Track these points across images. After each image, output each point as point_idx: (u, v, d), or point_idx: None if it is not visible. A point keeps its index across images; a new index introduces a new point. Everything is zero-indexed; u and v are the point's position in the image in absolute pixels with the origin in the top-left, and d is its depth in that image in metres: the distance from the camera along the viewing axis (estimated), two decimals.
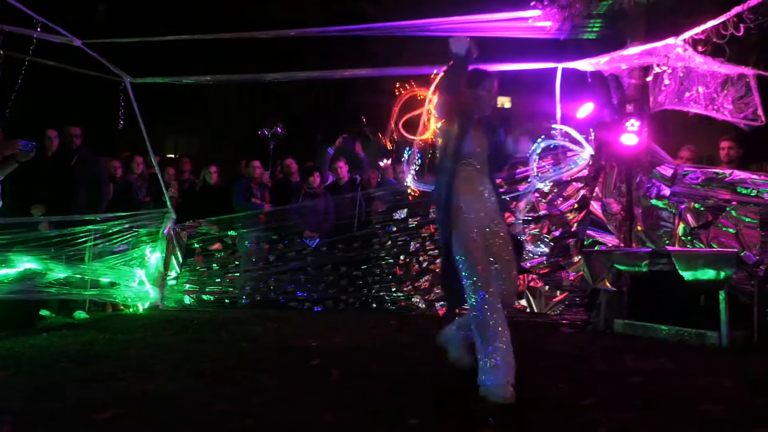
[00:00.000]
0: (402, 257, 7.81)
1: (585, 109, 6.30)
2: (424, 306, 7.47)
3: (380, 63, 9.71)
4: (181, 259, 8.18)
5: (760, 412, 3.28)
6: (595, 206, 6.83)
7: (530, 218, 7.14)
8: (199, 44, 10.44)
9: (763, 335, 5.19)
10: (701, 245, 6.03)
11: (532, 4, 6.32)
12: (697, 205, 6.16)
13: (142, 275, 7.73)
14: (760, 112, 5.68)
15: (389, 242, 7.91)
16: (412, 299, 7.57)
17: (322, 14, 12.47)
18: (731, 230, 5.88)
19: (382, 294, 7.77)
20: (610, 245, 6.63)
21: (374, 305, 7.72)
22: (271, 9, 13.76)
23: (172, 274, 8.11)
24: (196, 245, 8.30)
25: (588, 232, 6.82)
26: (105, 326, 6.26)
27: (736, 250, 5.57)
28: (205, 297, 8.15)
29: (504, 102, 18.95)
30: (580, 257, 6.65)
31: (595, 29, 6.43)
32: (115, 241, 7.48)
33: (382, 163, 9.40)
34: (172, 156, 15.80)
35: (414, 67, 8.75)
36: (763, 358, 4.71)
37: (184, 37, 7.24)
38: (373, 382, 3.88)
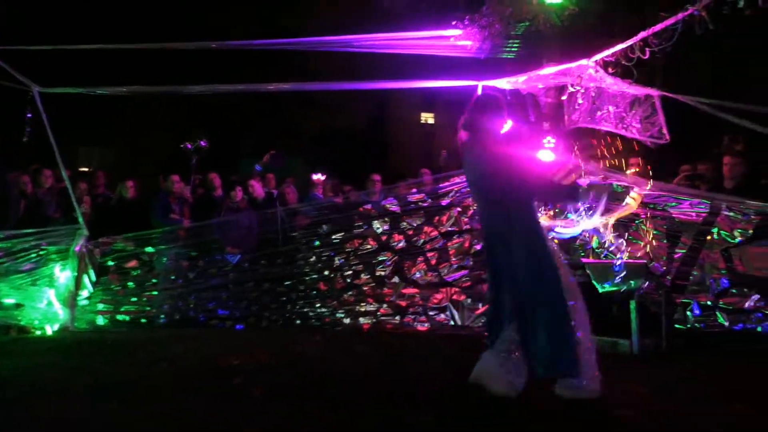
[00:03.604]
0: (326, 272, 7.75)
1: (504, 126, 6.47)
2: (349, 321, 7.44)
3: (306, 78, 9.68)
4: (93, 278, 7.80)
5: (670, 416, 3.44)
6: None
7: (453, 232, 7.27)
8: (118, 54, 10.08)
9: (670, 342, 5.46)
10: (613, 257, 6.30)
11: (454, 23, 6.48)
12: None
13: (51, 295, 7.33)
14: (665, 131, 6.03)
15: (313, 257, 7.84)
16: (337, 314, 7.52)
17: (248, 28, 12.32)
18: (641, 242, 6.19)
19: (306, 310, 7.67)
20: None
21: (298, 321, 7.61)
22: (196, 22, 13.49)
23: (84, 293, 7.71)
24: (111, 263, 7.94)
25: None
26: (8, 350, 5.88)
27: (645, 261, 5.86)
28: (120, 317, 7.79)
29: (427, 118, 19.30)
30: None
31: (513, 49, 6.65)
32: (21, 259, 7.08)
33: (315, 177, 9.38)
34: (86, 169, 15.13)
35: (339, 82, 8.81)
36: (671, 364, 4.96)
37: (98, 46, 6.97)
38: (297, 399, 3.81)
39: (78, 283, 7.59)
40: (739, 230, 5.62)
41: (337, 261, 7.74)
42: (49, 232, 7.40)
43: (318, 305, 7.66)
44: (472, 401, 3.60)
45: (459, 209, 7.26)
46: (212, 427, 3.26)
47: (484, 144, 3.92)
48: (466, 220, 7.27)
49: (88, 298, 7.75)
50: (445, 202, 7.31)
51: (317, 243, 7.83)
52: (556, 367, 3.55)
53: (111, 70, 11.20)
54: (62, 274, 7.48)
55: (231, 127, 15.43)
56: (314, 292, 7.72)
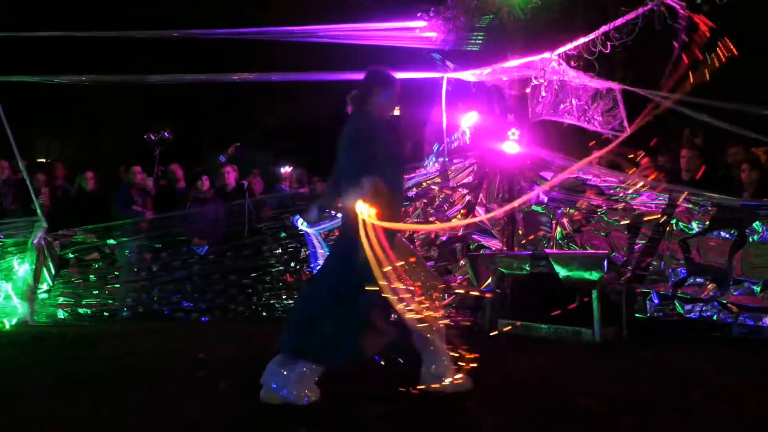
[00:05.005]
0: (293, 264, 7.72)
1: (469, 118, 6.53)
2: None
3: (270, 68, 9.58)
4: (53, 271, 7.64)
5: (627, 403, 3.53)
6: (480, 212, 7.09)
7: (419, 223, 7.30)
8: (78, 43, 9.83)
9: (631, 331, 5.59)
10: (576, 248, 6.42)
11: (419, 15, 6.49)
12: (572, 210, 6.55)
13: (9, 289, 7.17)
14: (625, 123, 6.15)
15: (279, 249, 7.80)
16: None
17: (209, 18, 12.11)
18: (602, 233, 6.31)
19: (272, 302, 7.64)
20: (494, 249, 6.91)
21: (264, 314, 7.58)
22: (158, 11, 13.20)
23: (44, 286, 7.55)
24: (71, 255, 7.78)
25: (473, 236, 7.07)
26: None
27: (606, 252, 5.98)
28: (81, 310, 7.65)
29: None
30: (466, 261, 6.86)
31: (478, 41, 6.69)
32: None
33: (283, 170, 9.32)
34: (44, 160, 14.77)
35: (303, 73, 8.75)
36: (631, 352, 5.09)
37: (57, 33, 6.81)
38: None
39: (37, 276, 7.44)
40: (697, 221, 5.76)
41: (303, 253, 7.71)
42: (5, 224, 7.22)
43: (284, 297, 7.64)
44: (428, 394, 3.64)
45: (425, 201, 7.30)
46: (175, 423, 3.22)
47: (363, 120, 3.73)
48: (431, 211, 7.30)
49: (47, 291, 7.60)
50: (411, 193, 7.33)
51: (283, 234, 7.78)
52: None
53: (70, 59, 10.93)
54: (20, 267, 7.33)
55: (193, 119, 15.19)
56: (280, 284, 7.69)
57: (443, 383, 3.67)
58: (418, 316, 3.58)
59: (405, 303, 3.49)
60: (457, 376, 3.74)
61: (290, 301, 7.58)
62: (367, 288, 3.39)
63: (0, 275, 7.18)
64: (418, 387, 3.68)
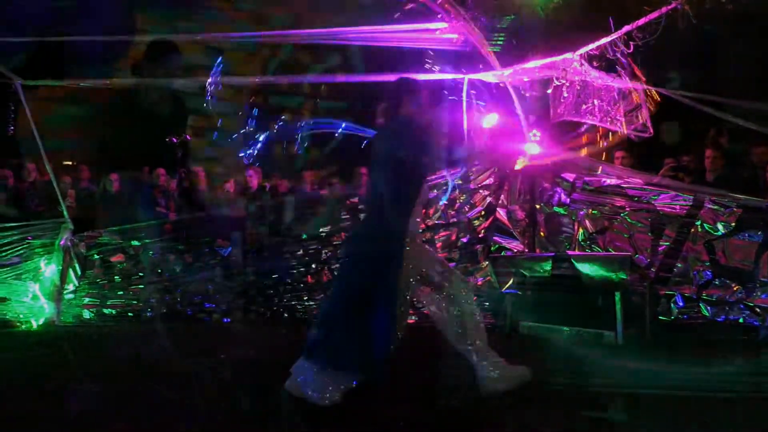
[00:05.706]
0: (314, 265, 7.75)
1: (490, 119, 6.51)
2: None
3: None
4: (79, 272, 7.76)
5: (651, 405, 3.50)
6: (501, 213, 7.06)
7: (440, 225, 7.29)
8: (102, 46, 9.98)
9: (654, 333, 5.52)
10: (599, 249, 6.36)
11: (439, 16, 6.47)
12: (594, 212, 6.49)
13: (36, 289, 7.28)
14: (648, 124, 6.08)
15: (300, 251, 7.83)
16: None
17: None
18: (625, 235, 6.23)
19: (293, 303, 7.67)
20: (515, 251, 6.87)
21: (285, 315, 7.62)
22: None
23: (70, 287, 7.67)
24: (96, 256, 7.89)
25: (494, 238, 7.04)
26: None
27: (629, 253, 5.91)
28: (106, 311, 7.75)
29: None
30: (487, 263, 6.83)
31: (498, 42, 6.66)
32: (4, 253, 7.02)
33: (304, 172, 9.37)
34: (69, 163, 14.97)
35: (324, 75, 8.78)
36: (654, 355, 5.02)
37: (85, 38, 6.93)
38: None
39: (63, 277, 7.56)
40: (722, 222, 5.67)
41: (324, 254, 7.74)
42: (33, 225, 7.35)
43: (305, 298, 7.67)
44: (452, 395, 3.63)
45: (446, 202, 7.28)
46: (196, 423, 3.25)
47: (395, 132, 3.74)
48: (452, 213, 7.28)
49: (73, 291, 7.71)
50: (431, 195, 7.31)
51: (304, 236, 7.81)
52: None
53: (93, 62, 11.08)
54: (47, 268, 7.45)
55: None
56: (302, 285, 7.72)
57: (502, 381, 3.61)
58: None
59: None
60: (513, 368, 3.69)
61: (311, 303, 7.61)
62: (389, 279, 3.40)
63: (28, 276, 7.30)
64: (481, 394, 3.58)
